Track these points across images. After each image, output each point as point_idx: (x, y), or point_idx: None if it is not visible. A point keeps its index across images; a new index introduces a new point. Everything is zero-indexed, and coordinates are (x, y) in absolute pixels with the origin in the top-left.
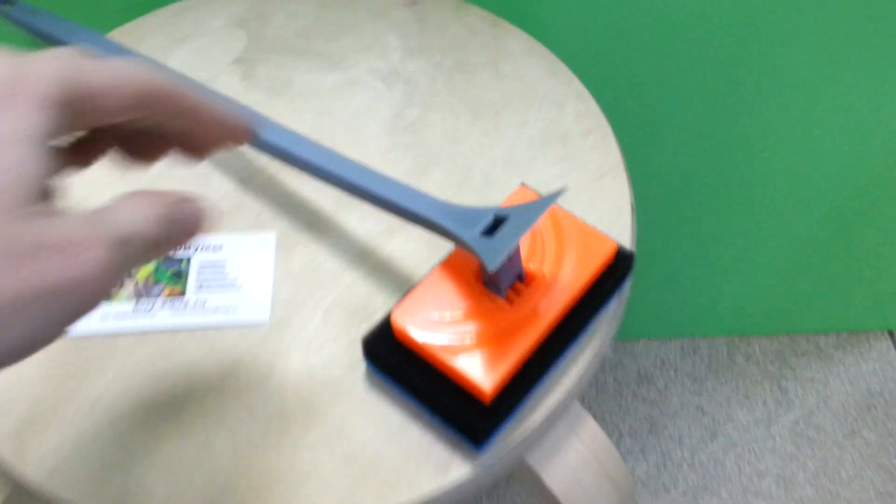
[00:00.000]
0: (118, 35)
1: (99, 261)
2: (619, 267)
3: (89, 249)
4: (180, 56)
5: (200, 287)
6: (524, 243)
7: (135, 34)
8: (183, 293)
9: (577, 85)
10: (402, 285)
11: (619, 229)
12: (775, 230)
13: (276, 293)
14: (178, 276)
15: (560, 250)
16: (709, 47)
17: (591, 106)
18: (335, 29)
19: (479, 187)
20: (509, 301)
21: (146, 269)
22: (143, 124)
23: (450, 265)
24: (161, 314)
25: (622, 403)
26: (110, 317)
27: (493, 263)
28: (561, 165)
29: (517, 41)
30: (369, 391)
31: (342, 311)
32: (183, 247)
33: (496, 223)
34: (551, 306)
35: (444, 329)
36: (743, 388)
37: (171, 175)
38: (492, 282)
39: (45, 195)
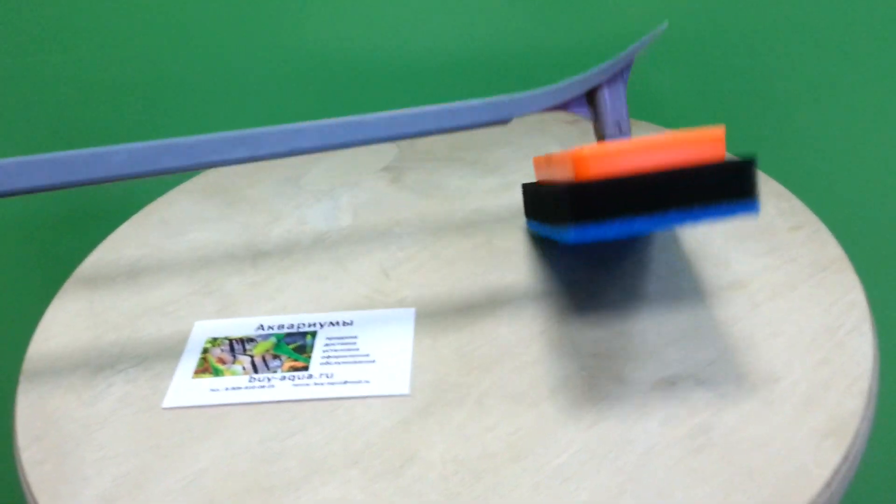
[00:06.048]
0: None
1: None
2: None
3: None
4: (325, 165)
5: (327, 361)
6: None
7: None
8: (306, 367)
9: (774, 185)
10: (562, 371)
11: (853, 323)
12: None
13: (418, 376)
14: (302, 350)
15: None
16: None
17: (795, 203)
18: (490, 143)
19: (666, 276)
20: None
21: (266, 344)
22: None
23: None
24: (281, 386)
25: None
26: (220, 389)
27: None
28: (768, 257)
29: None
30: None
31: (499, 398)
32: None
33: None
34: None
35: (632, 145)
36: None
37: (307, 261)
38: (617, 129)
39: None
